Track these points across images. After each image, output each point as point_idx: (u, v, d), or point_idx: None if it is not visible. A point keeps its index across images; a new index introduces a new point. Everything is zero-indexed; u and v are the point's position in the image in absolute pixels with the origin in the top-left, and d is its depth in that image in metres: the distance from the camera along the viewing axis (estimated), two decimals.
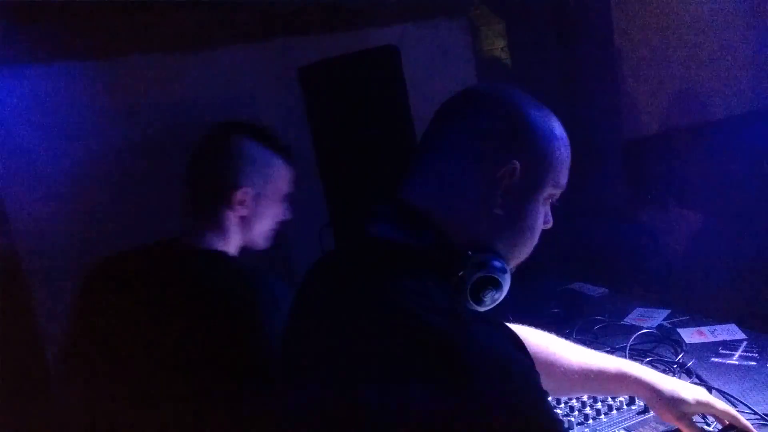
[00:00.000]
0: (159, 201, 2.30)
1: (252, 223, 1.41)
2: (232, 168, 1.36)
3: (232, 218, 1.38)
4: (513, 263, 0.87)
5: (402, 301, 0.70)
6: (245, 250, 1.48)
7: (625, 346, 1.54)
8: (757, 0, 3.27)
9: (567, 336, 1.68)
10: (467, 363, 0.64)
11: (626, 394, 1.25)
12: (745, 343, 1.52)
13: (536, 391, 0.68)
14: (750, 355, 1.46)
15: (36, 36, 2.13)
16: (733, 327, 1.61)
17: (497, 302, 0.84)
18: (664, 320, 1.73)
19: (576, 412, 1.27)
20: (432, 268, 0.80)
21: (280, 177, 1.43)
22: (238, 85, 2.35)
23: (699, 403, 1.06)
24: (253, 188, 1.37)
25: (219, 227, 1.38)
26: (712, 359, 1.47)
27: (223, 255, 1.36)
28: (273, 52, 2.40)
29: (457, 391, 0.62)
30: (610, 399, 1.29)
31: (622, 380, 1.09)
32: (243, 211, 1.37)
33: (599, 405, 1.27)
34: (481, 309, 0.84)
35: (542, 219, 0.87)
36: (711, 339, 1.58)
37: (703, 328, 1.64)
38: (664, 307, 1.82)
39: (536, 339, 1.14)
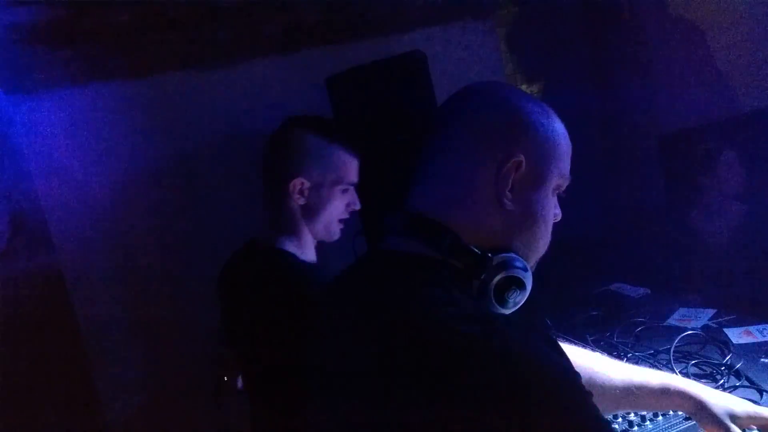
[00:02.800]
0: (197, 214, 2.35)
1: (314, 214, 1.42)
2: (288, 159, 1.41)
3: (295, 209, 1.41)
4: (532, 260, 0.86)
5: (431, 313, 0.69)
6: (322, 247, 1.51)
7: (669, 348, 1.49)
8: None
9: (607, 339, 1.65)
10: (507, 370, 0.63)
11: (671, 409, 1.21)
12: None
13: (579, 392, 0.66)
14: None
15: (73, 58, 2.19)
16: None
17: (521, 303, 0.83)
18: (709, 320, 1.67)
19: (620, 419, 1.24)
20: (453, 275, 0.79)
21: (338, 165, 1.44)
22: (268, 96, 2.38)
23: (749, 417, 1.01)
24: (309, 178, 1.40)
25: (286, 221, 1.42)
26: (763, 360, 1.42)
27: (287, 256, 1.38)
28: (301, 63, 2.42)
29: (497, 399, 0.61)
30: None
31: (666, 394, 1.05)
32: (301, 200, 1.40)
33: (644, 411, 1.24)
34: (506, 311, 0.82)
35: (553, 211, 0.86)
36: (760, 339, 1.52)
37: (751, 328, 1.58)
38: (709, 307, 1.76)
39: (576, 356, 1.12)
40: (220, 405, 1.84)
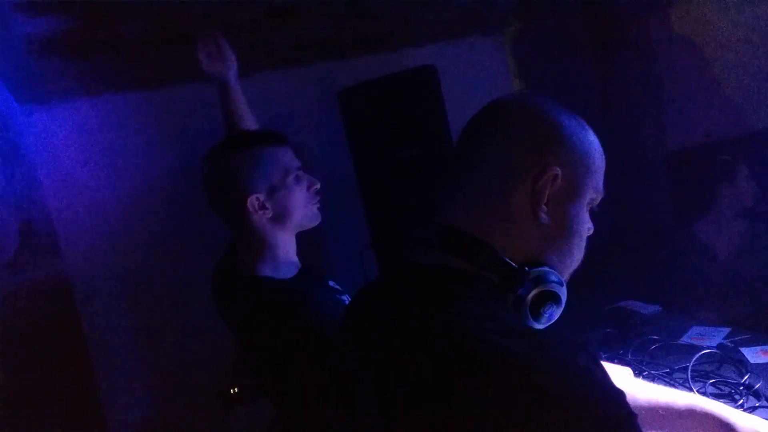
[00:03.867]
0: (206, 225, 2.34)
1: (285, 216, 1.40)
2: (231, 188, 1.38)
3: (264, 224, 1.39)
4: (566, 274, 0.84)
5: (473, 329, 0.68)
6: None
7: (686, 367, 1.47)
8: None
9: (622, 356, 1.63)
10: (553, 386, 0.61)
11: (697, 431, 1.19)
12: None
13: (626, 411, 0.65)
14: None
15: (86, 69, 2.20)
16: None
17: (555, 318, 0.82)
18: (724, 339, 1.65)
19: None
20: (489, 290, 0.78)
21: (275, 163, 1.40)
22: (279, 109, 2.38)
23: None
24: (260, 190, 1.37)
25: (258, 241, 1.40)
26: None
27: (267, 284, 1.36)
28: (312, 76, 2.43)
29: (544, 416, 0.60)
30: None
31: (692, 416, 1.03)
32: (267, 213, 1.38)
33: None
34: (540, 326, 0.81)
35: (587, 225, 0.85)
36: None
37: None
38: (723, 325, 1.74)
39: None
40: (228, 416, 1.82)
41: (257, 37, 2.31)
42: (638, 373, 1.52)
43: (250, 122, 1.78)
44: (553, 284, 0.78)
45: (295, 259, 1.50)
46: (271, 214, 1.38)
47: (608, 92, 2.91)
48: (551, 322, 0.81)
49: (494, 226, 0.80)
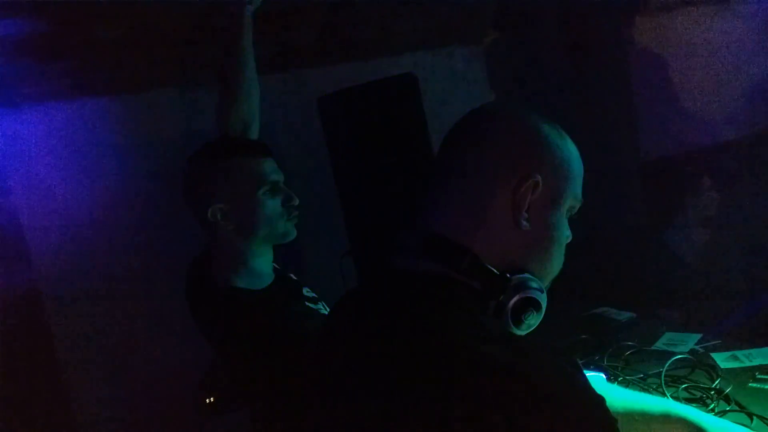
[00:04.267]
0: (177, 233, 2.31)
1: (250, 228, 1.37)
2: (199, 193, 1.37)
3: (230, 235, 1.37)
4: (546, 281, 0.86)
5: (458, 335, 0.69)
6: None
7: (659, 373, 1.50)
8: (765, 20, 3.28)
9: (597, 362, 1.66)
10: (539, 392, 0.63)
11: None
12: None
13: (608, 417, 0.67)
14: None
15: (59, 73, 2.17)
16: None
17: (535, 325, 0.83)
18: (695, 345, 1.69)
19: None
20: (471, 296, 0.78)
21: (248, 176, 1.37)
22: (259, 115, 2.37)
23: None
24: (223, 201, 1.35)
25: (227, 252, 1.39)
26: (750, 384, 1.43)
27: (242, 296, 1.36)
28: (291, 83, 2.43)
29: (531, 426, 0.61)
30: None
31: (666, 421, 1.05)
32: (230, 225, 1.36)
33: None
34: (521, 333, 0.82)
35: (567, 233, 0.86)
36: (747, 364, 1.53)
37: (738, 353, 1.59)
38: (695, 332, 1.78)
39: None
40: (203, 426, 1.80)
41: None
42: (613, 378, 1.55)
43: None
44: (534, 291, 0.80)
45: (269, 269, 1.48)
46: (233, 226, 1.36)
47: (583, 101, 2.96)
48: (532, 329, 0.82)
49: (475, 233, 0.81)
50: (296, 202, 1.43)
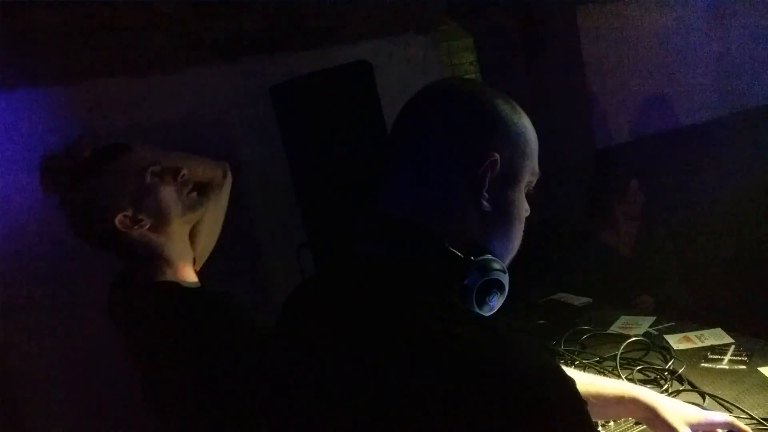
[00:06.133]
0: None
1: (165, 217, 1.27)
2: (93, 215, 1.25)
3: (148, 235, 1.27)
4: (507, 260, 0.84)
5: (427, 320, 0.67)
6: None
7: (615, 355, 1.52)
8: (716, 6, 3.37)
9: (555, 347, 1.67)
10: (516, 374, 0.62)
11: (626, 416, 1.23)
12: (732, 346, 1.51)
13: (578, 399, 0.67)
14: (739, 358, 1.45)
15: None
16: (719, 331, 1.60)
17: (498, 306, 0.82)
18: (650, 327, 1.72)
19: None
20: (436, 280, 0.77)
21: (126, 172, 1.26)
22: (208, 106, 2.31)
23: (700, 423, 1.04)
24: (124, 207, 1.24)
25: (151, 252, 1.28)
26: (702, 365, 1.46)
27: (167, 291, 1.27)
28: (243, 72, 2.37)
29: (508, 403, 0.60)
30: None
31: (621, 402, 1.06)
32: (145, 224, 1.25)
33: (600, 420, 1.24)
34: (485, 314, 0.81)
35: (525, 207, 0.85)
36: (699, 344, 1.56)
37: (690, 334, 1.62)
38: (649, 315, 1.81)
39: None
40: None
41: (184, 31, 2.22)
42: (569, 363, 1.56)
43: None
44: (498, 273, 0.78)
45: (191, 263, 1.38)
46: (149, 224, 1.26)
47: (537, 92, 2.99)
48: (494, 310, 0.81)
49: (435, 215, 0.79)
50: (185, 170, 1.33)
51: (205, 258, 1.51)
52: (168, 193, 1.29)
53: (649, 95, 3.22)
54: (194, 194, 1.36)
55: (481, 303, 0.78)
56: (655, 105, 3.23)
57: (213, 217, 1.48)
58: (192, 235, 1.40)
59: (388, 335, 0.68)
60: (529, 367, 0.64)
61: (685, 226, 2.62)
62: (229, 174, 1.51)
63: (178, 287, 1.27)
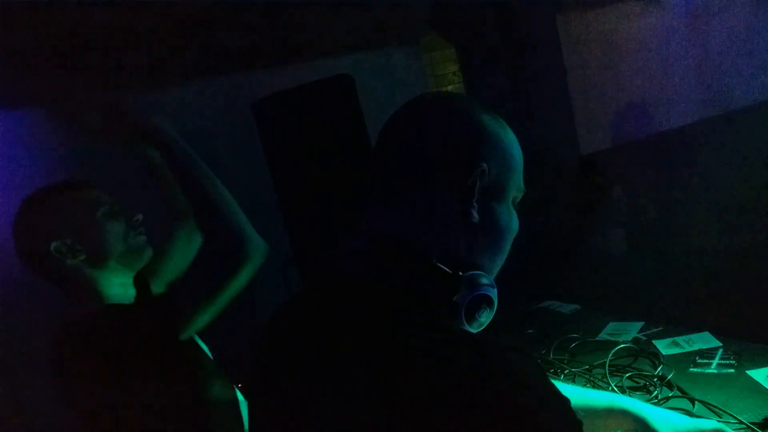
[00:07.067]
0: None
1: (102, 254, 1.27)
2: (35, 238, 1.24)
3: (83, 268, 1.26)
4: (494, 275, 0.84)
5: (417, 340, 0.66)
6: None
7: (604, 363, 1.51)
8: (695, 11, 3.42)
9: (543, 356, 1.66)
10: (508, 397, 0.61)
11: (616, 428, 1.22)
12: (720, 350, 1.51)
13: (573, 418, 0.66)
14: (728, 362, 1.44)
15: None
16: (707, 335, 1.60)
17: (487, 322, 0.80)
18: (638, 333, 1.72)
19: None
20: (425, 297, 0.75)
21: (78, 205, 1.27)
22: (191, 121, 2.29)
23: None
24: (62, 237, 1.24)
25: (85, 286, 1.27)
26: (691, 369, 1.46)
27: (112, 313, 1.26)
28: (225, 87, 2.36)
29: (500, 426, 0.59)
30: None
31: (611, 415, 1.05)
32: (81, 255, 1.25)
33: None
34: (474, 330, 0.79)
35: (515, 221, 0.84)
36: (687, 349, 1.56)
37: (678, 339, 1.62)
38: (637, 320, 1.80)
39: None
40: None
41: (165, 48, 2.21)
42: (559, 371, 1.55)
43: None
44: (487, 287, 0.77)
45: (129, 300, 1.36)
46: (84, 256, 1.26)
47: (521, 99, 3.00)
48: (484, 326, 0.80)
49: (423, 231, 0.78)
50: (140, 216, 1.34)
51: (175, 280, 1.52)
52: (113, 231, 1.29)
53: (630, 100, 3.25)
54: (142, 239, 1.35)
55: (471, 319, 0.77)
56: (638, 110, 3.25)
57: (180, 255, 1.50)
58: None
59: (375, 359, 0.66)
60: (523, 391, 0.63)
61: (670, 230, 2.63)
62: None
63: (101, 316, 1.24)
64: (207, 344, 1.48)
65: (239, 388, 1.41)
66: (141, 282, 1.40)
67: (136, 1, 1.94)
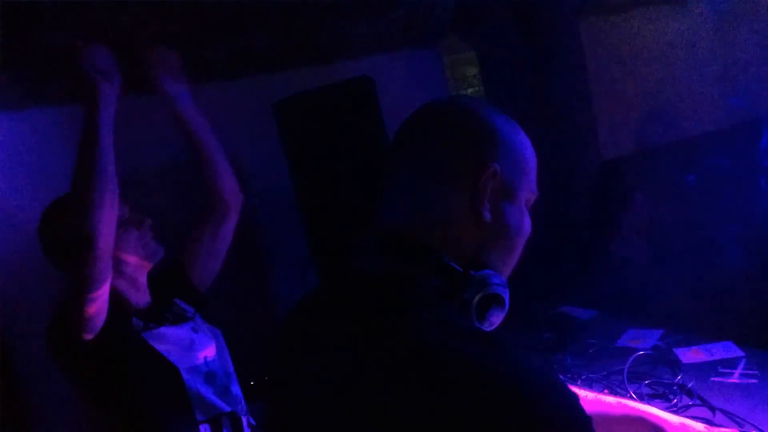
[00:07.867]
0: None
1: (122, 263, 1.39)
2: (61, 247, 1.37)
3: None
4: (506, 275, 0.84)
5: (429, 335, 0.66)
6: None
7: (622, 369, 1.50)
8: (720, 18, 3.37)
9: (561, 361, 1.65)
10: (518, 392, 0.61)
11: None
12: (743, 360, 1.49)
13: (586, 415, 0.66)
14: (750, 372, 1.42)
15: (9, 83, 2.09)
16: (729, 344, 1.58)
17: (499, 322, 0.81)
18: (658, 340, 1.69)
19: None
20: (436, 295, 0.76)
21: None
22: (214, 123, 2.31)
23: None
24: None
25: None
26: (713, 379, 1.44)
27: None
28: (247, 88, 2.38)
29: (510, 422, 0.59)
30: None
31: (627, 422, 1.05)
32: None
33: None
34: (486, 329, 0.80)
35: (528, 222, 0.85)
36: (709, 358, 1.54)
37: (699, 347, 1.60)
38: (657, 327, 1.78)
39: None
40: None
41: (189, 50, 2.24)
42: (577, 377, 1.54)
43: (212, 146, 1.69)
44: (497, 287, 0.78)
45: (147, 296, 1.48)
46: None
47: (544, 104, 2.98)
48: (496, 325, 0.80)
49: (435, 229, 0.79)
50: (150, 221, 1.46)
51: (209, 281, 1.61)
52: (129, 241, 1.41)
53: (654, 107, 3.21)
54: (154, 242, 1.46)
55: (482, 318, 0.77)
56: (660, 116, 3.21)
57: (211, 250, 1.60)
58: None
59: (387, 354, 0.67)
60: (531, 383, 0.63)
61: (693, 238, 2.59)
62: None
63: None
64: (228, 344, 1.52)
65: (253, 384, 1.46)
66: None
67: (161, 4, 1.97)
